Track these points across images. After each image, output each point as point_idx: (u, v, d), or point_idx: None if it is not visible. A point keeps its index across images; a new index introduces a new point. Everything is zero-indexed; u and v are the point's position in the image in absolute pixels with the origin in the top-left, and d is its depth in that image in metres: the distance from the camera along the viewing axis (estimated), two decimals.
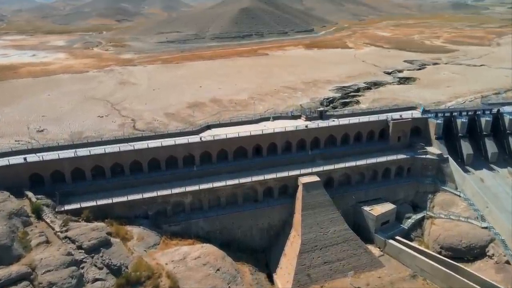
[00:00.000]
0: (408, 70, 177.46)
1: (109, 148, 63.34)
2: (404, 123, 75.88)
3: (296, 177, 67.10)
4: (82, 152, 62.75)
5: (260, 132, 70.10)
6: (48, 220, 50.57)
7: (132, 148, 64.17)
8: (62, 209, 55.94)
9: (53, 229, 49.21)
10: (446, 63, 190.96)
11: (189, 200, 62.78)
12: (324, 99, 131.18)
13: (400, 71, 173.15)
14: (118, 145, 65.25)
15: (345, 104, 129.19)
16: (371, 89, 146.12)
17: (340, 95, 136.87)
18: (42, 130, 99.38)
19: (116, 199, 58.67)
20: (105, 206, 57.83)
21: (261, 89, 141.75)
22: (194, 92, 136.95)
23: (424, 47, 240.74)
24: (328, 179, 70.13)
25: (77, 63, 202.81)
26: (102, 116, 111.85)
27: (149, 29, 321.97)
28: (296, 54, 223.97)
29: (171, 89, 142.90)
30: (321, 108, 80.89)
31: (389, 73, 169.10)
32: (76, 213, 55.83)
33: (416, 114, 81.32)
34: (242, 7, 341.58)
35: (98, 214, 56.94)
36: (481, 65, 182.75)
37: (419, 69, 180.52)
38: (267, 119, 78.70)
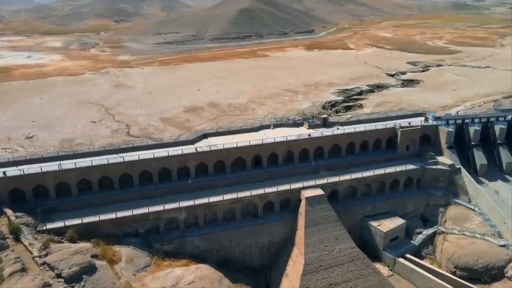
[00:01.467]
0: (411, 72, 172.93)
1: (97, 160, 58.56)
2: (413, 131, 71.24)
3: (298, 190, 62.49)
4: (67, 164, 58.04)
5: (260, 142, 65.39)
6: (26, 243, 45.90)
7: (121, 160, 59.43)
8: (44, 228, 51.31)
9: (31, 253, 44.50)
10: (450, 65, 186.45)
11: (183, 216, 58.12)
12: (326, 102, 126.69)
13: (403, 73, 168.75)
14: (106, 156, 60.60)
15: (348, 108, 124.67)
16: (374, 92, 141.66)
17: (342, 98, 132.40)
18: (31, 137, 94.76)
19: (103, 216, 54.04)
20: (91, 224, 53.21)
21: (260, 92, 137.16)
22: (191, 96, 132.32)
23: (426, 48, 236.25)
24: (332, 192, 65.50)
25: (72, 65, 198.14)
26: (95, 122, 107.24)
27: (147, 30, 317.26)
28: (297, 56, 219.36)
29: (168, 92, 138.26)
30: (325, 115, 76.13)
31: (392, 75, 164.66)
32: (60, 232, 51.21)
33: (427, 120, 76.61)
34: (241, 7, 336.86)
35: (84, 233, 52.30)
36: (486, 67, 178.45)
37: (423, 71, 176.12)
38: (267, 127, 73.98)
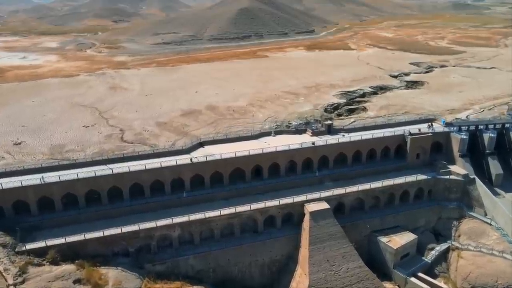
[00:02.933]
0: (415, 73, 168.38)
1: (83, 173, 53.83)
2: (423, 139, 66.64)
3: (302, 204, 57.97)
4: (51, 177, 53.27)
5: (260, 151, 60.69)
6: (1, 268, 41.27)
7: (110, 171, 54.72)
8: (23, 248, 46.63)
9: (6, 280, 39.89)
10: (454, 66, 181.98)
11: (177, 233, 53.55)
12: (328, 105, 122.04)
13: (406, 74, 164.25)
14: (94, 168, 55.91)
15: (351, 111, 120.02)
16: (377, 94, 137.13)
17: (345, 101, 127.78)
18: (19, 143, 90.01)
19: (89, 235, 49.46)
20: (76, 244, 48.57)
21: (260, 94, 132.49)
22: (189, 98, 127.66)
23: (429, 48, 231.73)
24: (338, 205, 60.92)
25: (67, 66, 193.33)
26: (88, 126, 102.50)
27: (145, 30, 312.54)
28: (297, 56, 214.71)
29: (165, 94, 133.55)
30: (329, 122, 71.38)
31: (395, 77, 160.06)
32: (41, 253, 46.63)
33: (436, 127, 71.89)
34: (241, 7, 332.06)
35: (68, 253, 47.75)
36: (492, 68, 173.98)
37: (427, 72, 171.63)
38: (268, 134, 69.27)
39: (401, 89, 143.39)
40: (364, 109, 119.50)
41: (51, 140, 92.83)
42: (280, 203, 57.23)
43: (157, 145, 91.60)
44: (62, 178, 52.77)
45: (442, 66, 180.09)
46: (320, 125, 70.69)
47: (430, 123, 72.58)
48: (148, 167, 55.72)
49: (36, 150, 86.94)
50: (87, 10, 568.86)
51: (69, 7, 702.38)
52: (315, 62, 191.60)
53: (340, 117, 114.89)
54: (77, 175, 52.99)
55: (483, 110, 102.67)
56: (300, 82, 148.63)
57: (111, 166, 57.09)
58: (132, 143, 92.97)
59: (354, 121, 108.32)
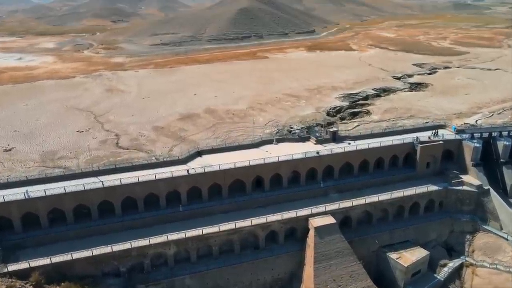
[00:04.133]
0: (418, 74, 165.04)
1: (71, 186, 49.99)
2: (434, 147, 62.86)
3: (306, 218, 54.21)
4: (36, 191, 49.40)
5: (262, 161, 56.84)
6: None
7: (100, 185, 50.88)
8: (5, 270, 42.89)
9: None
10: (458, 67, 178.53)
11: (172, 251, 49.78)
12: (330, 108, 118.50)
13: (410, 76, 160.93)
14: (83, 180, 52.02)
15: (354, 115, 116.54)
16: (380, 96, 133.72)
17: (347, 103, 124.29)
18: (9, 149, 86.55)
19: (77, 254, 45.72)
20: (62, 264, 44.79)
21: (261, 97, 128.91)
22: (187, 101, 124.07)
23: (432, 49, 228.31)
24: (344, 219, 57.11)
25: (64, 68, 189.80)
26: (82, 131, 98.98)
27: (144, 31, 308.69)
28: (298, 57, 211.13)
29: (162, 97, 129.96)
30: (334, 129, 67.59)
31: (398, 78, 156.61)
32: (24, 275, 42.95)
33: (447, 134, 68.10)
34: (240, 7, 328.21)
35: (53, 274, 44.12)
36: (496, 69, 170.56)
37: (430, 73, 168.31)
38: (269, 141, 65.36)
39: (404, 91, 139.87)
40: (368, 112, 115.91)
41: (43, 146, 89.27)
42: (283, 218, 53.42)
43: (154, 151, 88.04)
44: (49, 192, 48.83)
45: (445, 68, 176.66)
46: (324, 132, 66.80)
47: (435, 131, 68.17)
48: (141, 179, 51.81)
49: (27, 157, 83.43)
50: (86, 10, 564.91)
51: (68, 7, 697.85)
52: (316, 63, 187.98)
53: (343, 121, 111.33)
54: (65, 189, 49.10)
55: (493, 115, 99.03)
56: (301, 84, 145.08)
57: (102, 178, 53.23)
58: (127, 149, 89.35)
59: (357, 125, 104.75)
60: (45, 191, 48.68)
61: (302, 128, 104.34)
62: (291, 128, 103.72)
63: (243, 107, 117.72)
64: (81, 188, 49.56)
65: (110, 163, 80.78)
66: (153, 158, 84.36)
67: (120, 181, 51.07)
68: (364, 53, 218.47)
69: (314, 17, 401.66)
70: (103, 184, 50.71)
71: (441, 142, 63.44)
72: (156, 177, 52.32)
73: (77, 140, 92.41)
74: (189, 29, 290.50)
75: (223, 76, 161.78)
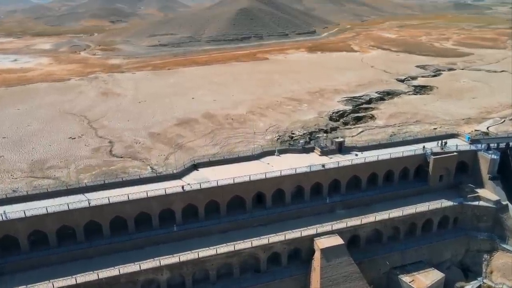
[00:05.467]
0: (422, 76, 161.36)
1: (55, 205, 45.49)
2: (448, 159, 58.52)
3: (311, 238, 49.81)
4: (16, 212, 44.87)
5: (263, 176, 52.40)
6: None
7: (87, 203, 46.39)
8: None
9: None
10: (462, 69, 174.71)
11: (165, 277, 45.48)
12: (333, 113, 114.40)
13: (413, 78, 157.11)
14: (68, 198, 47.56)
15: (357, 120, 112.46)
16: (384, 100, 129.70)
17: (351, 107, 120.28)
18: None
19: (59, 282, 41.19)
20: None
21: (261, 101, 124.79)
22: (185, 105, 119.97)
23: (435, 50, 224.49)
24: (352, 237, 52.73)
25: (59, 70, 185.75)
26: (74, 138, 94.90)
27: (142, 31, 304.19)
28: (299, 59, 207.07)
29: (160, 101, 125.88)
30: (340, 139, 63.13)
31: (402, 81, 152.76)
32: None
33: (461, 144, 63.65)
34: (240, 7, 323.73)
35: None
36: (502, 71, 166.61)
37: (434, 75, 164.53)
38: (271, 153, 60.88)
39: (409, 94, 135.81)
40: (372, 117, 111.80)
41: (33, 154, 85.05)
42: (286, 238, 49.04)
43: (149, 160, 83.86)
44: (29, 213, 44.37)
45: (450, 69, 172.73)
46: (330, 142, 62.35)
47: (444, 141, 62.96)
48: (132, 197, 47.33)
49: (14, 166, 79.26)
50: (84, 10, 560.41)
51: (67, 7, 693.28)
52: (318, 65, 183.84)
53: (347, 126, 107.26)
54: (47, 209, 44.60)
55: (504, 121, 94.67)
56: (302, 87, 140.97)
57: (89, 195, 48.77)
58: (121, 157, 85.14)
59: (362, 131, 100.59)
60: (24, 212, 44.16)
61: (304, 134, 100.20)
62: (293, 134, 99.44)
63: (242, 111, 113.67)
64: (65, 207, 45.05)
65: (102, 172, 76.72)
66: (148, 167, 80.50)
67: (108, 199, 46.59)
68: (366, 54, 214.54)
69: (314, 17, 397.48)
70: (89, 203, 46.17)
71: (455, 153, 58.98)
72: (148, 194, 47.86)
73: (69, 148, 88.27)
74: (188, 30, 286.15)
75: (222, 78, 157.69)
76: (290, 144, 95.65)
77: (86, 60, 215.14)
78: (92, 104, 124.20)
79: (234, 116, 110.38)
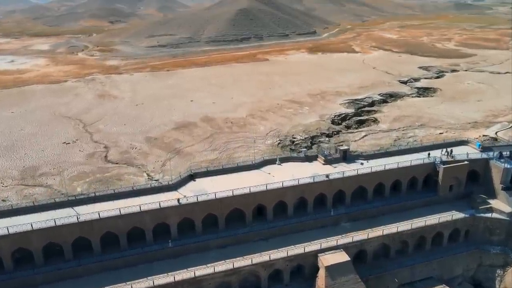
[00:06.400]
0: (425, 78, 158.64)
1: (41, 221, 42.41)
2: (459, 168, 55.53)
3: (315, 254, 46.75)
4: None
5: (264, 188, 49.38)
6: None
7: (75, 219, 43.31)
8: None
9: None
10: (466, 70, 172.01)
11: None
12: (335, 116, 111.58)
13: (416, 80, 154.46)
14: (55, 212, 44.47)
15: (360, 123, 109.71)
16: (387, 102, 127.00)
17: (353, 110, 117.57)
18: None
19: None
20: None
21: (261, 103, 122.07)
22: (183, 108, 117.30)
23: (437, 51, 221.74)
24: (358, 252, 49.74)
25: (56, 71, 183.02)
26: (69, 143, 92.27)
27: (141, 32, 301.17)
28: (299, 60, 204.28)
29: (157, 104, 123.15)
30: (345, 147, 60.11)
31: (404, 83, 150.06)
32: None
33: (472, 151, 60.59)
34: (240, 7, 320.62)
35: None
36: (506, 73, 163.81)
37: (437, 77, 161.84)
38: (272, 161, 57.86)
39: (412, 96, 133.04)
40: (375, 120, 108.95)
41: (25, 160, 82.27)
42: (289, 254, 46.00)
43: (145, 166, 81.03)
44: (13, 230, 41.22)
45: (453, 71, 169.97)
46: (334, 150, 59.31)
47: (449, 150, 59.21)
48: (124, 211, 44.22)
49: (5, 173, 76.59)
50: (83, 11, 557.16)
51: (66, 7, 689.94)
52: (319, 66, 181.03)
53: (349, 130, 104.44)
54: (32, 225, 41.52)
55: None
56: (303, 89, 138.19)
57: (78, 209, 45.70)
58: (116, 163, 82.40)
59: (365, 135, 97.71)
60: (7, 228, 41.04)
61: (305, 138, 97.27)
62: (294, 138, 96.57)
63: (242, 114, 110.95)
64: (51, 223, 41.93)
65: (96, 180, 73.98)
66: (144, 174, 77.63)
67: (99, 214, 43.46)
68: (367, 55, 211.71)
69: (314, 18, 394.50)
70: (78, 218, 43.03)
71: (466, 162, 55.97)
72: (141, 208, 44.75)
73: (63, 153, 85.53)
74: (187, 30, 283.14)
75: (221, 80, 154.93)
76: (291, 149, 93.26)
77: (83, 61, 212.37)
78: (88, 107, 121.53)
79: (233, 119, 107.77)
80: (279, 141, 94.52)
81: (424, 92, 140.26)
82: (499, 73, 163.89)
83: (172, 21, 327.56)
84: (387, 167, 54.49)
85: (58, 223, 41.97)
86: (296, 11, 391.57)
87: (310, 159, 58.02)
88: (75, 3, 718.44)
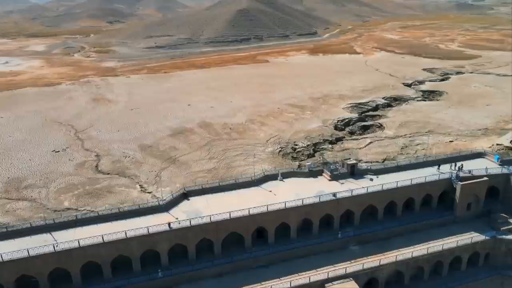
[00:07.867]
0: (430, 81, 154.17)
1: (13, 252, 37.36)
2: (478, 185, 50.64)
3: (322, 284, 41.78)
4: None
5: (264, 209, 44.43)
6: None
7: (52, 247, 38.27)
8: None
9: None
10: (471, 72, 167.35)
11: None
12: (338, 121, 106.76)
13: (421, 83, 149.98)
14: (30, 239, 39.50)
15: (365, 128, 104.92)
16: (392, 106, 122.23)
17: (357, 115, 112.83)
18: None
19: None
20: None
21: (261, 107, 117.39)
22: (180, 113, 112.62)
23: (441, 52, 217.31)
24: (370, 281, 44.80)
25: (50, 73, 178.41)
26: (58, 151, 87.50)
27: (139, 32, 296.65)
28: (300, 61, 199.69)
29: (153, 108, 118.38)
30: (353, 161, 55.19)
31: (409, 85, 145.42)
32: None
33: (490, 165, 55.67)
34: (239, 8, 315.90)
35: None
36: None
37: (442, 79, 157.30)
38: (273, 177, 52.88)
39: (417, 100, 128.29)
40: (380, 126, 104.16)
41: (10, 171, 77.49)
42: (292, 286, 41.08)
43: (138, 177, 76.27)
44: None
45: (458, 73, 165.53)
46: (341, 165, 54.39)
47: (460, 164, 53.91)
48: (107, 238, 39.19)
49: None
50: (82, 11, 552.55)
51: (65, 7, 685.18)
52: (320, 68, 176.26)
53: (353, 136, 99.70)
54: (1, 256, 36.44)
55: None
56: (305, 93, 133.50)
57: (57, 234, 40.73)
58: (108, 174, 77.65)
59: (370, 143, 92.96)
60: None
61: (308, 145, 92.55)
62: (296, 145, 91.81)
63: (241, 120, 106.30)
64: (24, 254, 36.96)
65: (85, 192, 69.34)
66: (137, 185, 72.87)
67: (78, 242, 38.43)
68: (369, 56, 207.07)
69: (315, 18, 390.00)
70: (54, 247, 37.98)
71: (485, 178, 51.08)
72: (127, 234, 39.77)
73: (51, 163, 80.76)
74: (186, 31, 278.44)
75: (220, 83, 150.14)
76: (293, 157, 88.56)
77: (79, 62, 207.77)
78: (81, 111, 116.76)
79: (232, 125, 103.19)
80: (280, 149, 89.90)
81: (429, 95, 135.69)
82: (505, 75, 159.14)
83: (170, 21, 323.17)
84: (400, 184, 49.58)
85: (32, 253, 37.00)
86: (296, 12, 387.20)
87: (314, 174, 53.05)
88: (73, 3, 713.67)
